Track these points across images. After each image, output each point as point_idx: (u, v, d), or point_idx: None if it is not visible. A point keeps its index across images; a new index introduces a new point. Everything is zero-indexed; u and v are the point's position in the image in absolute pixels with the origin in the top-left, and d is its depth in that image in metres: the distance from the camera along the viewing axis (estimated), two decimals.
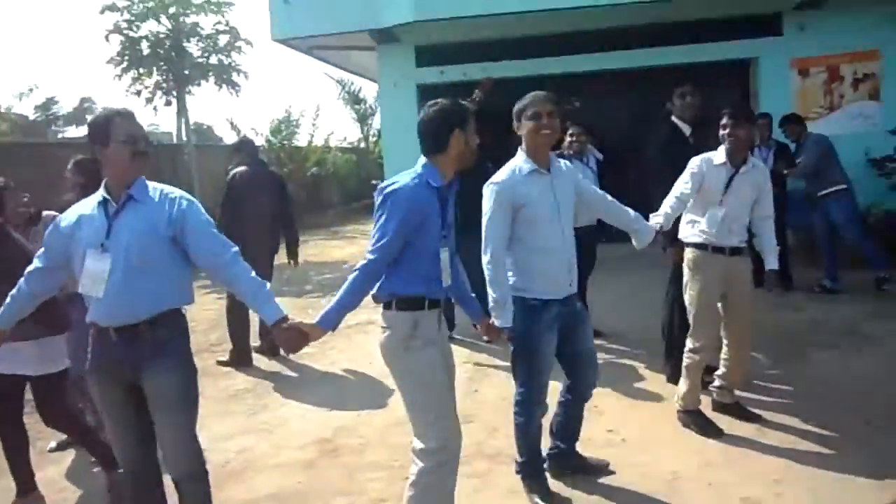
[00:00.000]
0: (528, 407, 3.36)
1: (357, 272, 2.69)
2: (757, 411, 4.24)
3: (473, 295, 3.21)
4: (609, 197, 3.55)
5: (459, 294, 3.12)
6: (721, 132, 3.99)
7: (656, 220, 3.88)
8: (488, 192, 3.21)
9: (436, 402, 2.77)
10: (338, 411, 4.74)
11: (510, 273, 3.25)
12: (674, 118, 4.80)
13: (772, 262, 4.08)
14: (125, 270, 2.59)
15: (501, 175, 3.23)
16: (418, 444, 2.77)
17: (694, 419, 4.10)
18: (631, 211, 3.57)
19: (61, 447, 4.39)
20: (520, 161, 3.26)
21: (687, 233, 4.16)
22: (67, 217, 2.75)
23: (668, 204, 4.03)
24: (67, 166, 4.33)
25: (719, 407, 4.27)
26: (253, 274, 2.72)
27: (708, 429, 4.02)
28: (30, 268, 2.83)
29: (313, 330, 2.68)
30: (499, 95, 9.95)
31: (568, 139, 5.82)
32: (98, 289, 2.59)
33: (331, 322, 2.69)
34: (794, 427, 4.06)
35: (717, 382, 4.28)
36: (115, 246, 2.60)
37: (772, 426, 4.08)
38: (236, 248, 2.73)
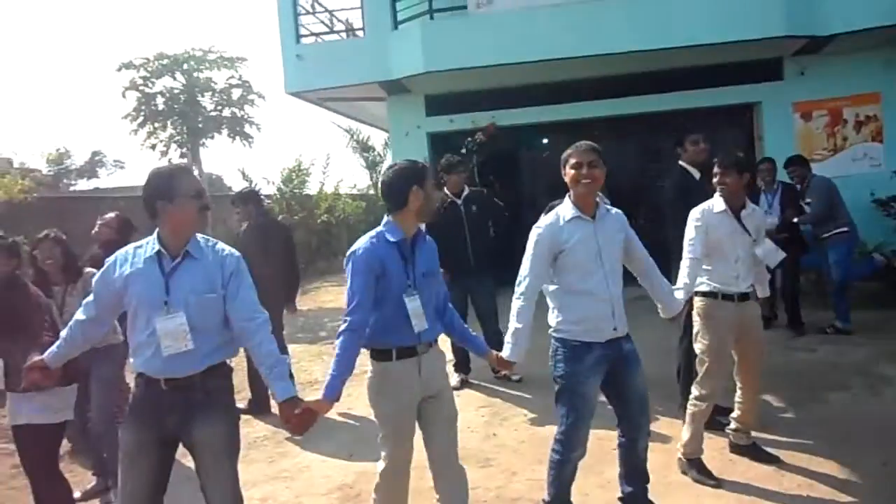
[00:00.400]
0: (566, 448, 3.38)
1: (342, 338, 2.88)
2: (774, 452, 4.26)
3: (475, 333, 3.46)
4: (651, 261, 3.58)
5: (459, 334, 3.36)
6: (714, 180, 4.10)
7: (679, 293, 3.87)
8: (532, 234, 3.37)
9: (390, 444, 3.07)
10: (357, 457, 4.77)
11: (555, 314, 3.37)
12: (682, 163, 4.94)
13: (764, 291, 4.35)
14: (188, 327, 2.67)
15: (545, 219, 3.38)
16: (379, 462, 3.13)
17: (693, 466, 4.07)
18: (665, 283, 3.63)
19: (85, 497, 4.43)
20: (564, 207, 3.37)
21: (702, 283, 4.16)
22: (115, 267, 2.78)
23: (686, 272, 4.02)
24: (97, 221, 4.48)
25: (736, 449, 4.29)
26: (275, 346, 2.80)
27: (705, 479, 3.99)
28: (79, 315, 2.90)
29: (320, 406, 2.84)
30: (504, 140, 10.27)
31: None
32: (183, 344, 2.66)
33: (335, 392, 2.86)
34: (811, 469, 4.07)
35: (732, 425, 4.30)
36: (175, 303, 2.67)
37: (789, 468, 4.10)
38: (266, 315, 2.83)
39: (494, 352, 3.39)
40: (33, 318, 3.47)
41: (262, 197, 6.89)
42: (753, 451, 4.24)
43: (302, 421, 2.76)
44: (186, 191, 2.72)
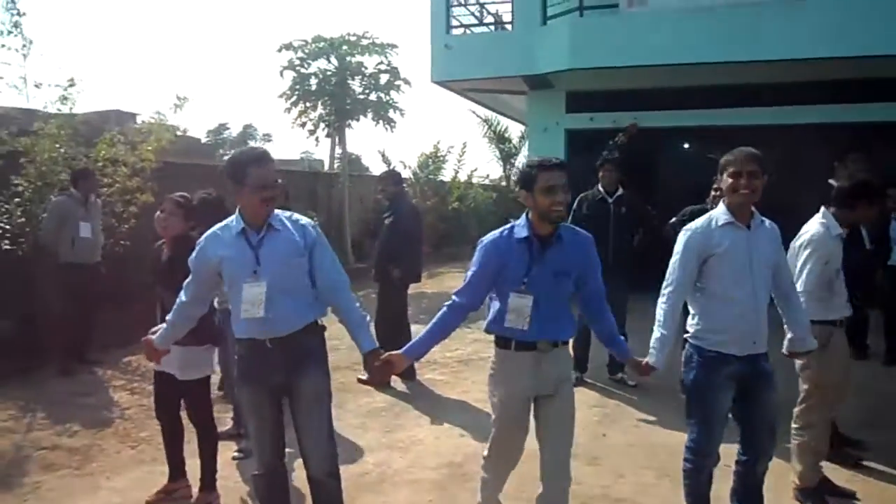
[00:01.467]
0: (698, 456, 3.32)
1: (444, 309, 3.06)
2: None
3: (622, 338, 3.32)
4: (794, 287, 3.48)
5: (607, 335, 3.26)
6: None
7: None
8: (681, 237, 3.29)
9: (497, 429, 3.12)
10: (469, 438, 4.95)
11: (695, 320, 3.29)
12: (832, 181, 4.73)
13: None
14: (278, 292, 2.91)
15: (697, 222, 3.29)
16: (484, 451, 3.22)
17: (808, 497, 3.93)
18: (805, 315, 3.46)
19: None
20: (719, 212, 3.27)
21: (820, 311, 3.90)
22: (209, 246, 3.04)
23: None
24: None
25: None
26: (357, 304, 3.08)
27: None
28: (182, 297, 3.19)
29: (399, 359, 3.03)
30: (643, 142, 10.09)
31: (713, 192, 5.80)
32: (258, 311, 2.92)
33: (415, 353, 3.09)
34: None
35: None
36: (265, 272, 2.93)
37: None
38: (347, 278, 3.11)
39: (638, 358, 3.27)
40: None
41: (402, 179, 7.21)
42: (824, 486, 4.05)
43: (382, 371, 3.02)
44: (253, 182, 2.89)
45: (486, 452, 3.23)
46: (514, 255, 2.96)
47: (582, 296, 3.16)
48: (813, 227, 3.96)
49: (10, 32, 7.26)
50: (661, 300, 3.28)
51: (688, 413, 3.37)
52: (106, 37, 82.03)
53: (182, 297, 3.19)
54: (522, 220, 3.02)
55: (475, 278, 3.02)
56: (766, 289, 3.24)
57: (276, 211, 3.06)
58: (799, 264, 3.85)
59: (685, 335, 3.36)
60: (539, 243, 2.96)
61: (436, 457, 4.66)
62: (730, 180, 3.18)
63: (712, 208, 5.42)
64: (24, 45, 7.28)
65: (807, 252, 3.87)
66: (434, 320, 3.07)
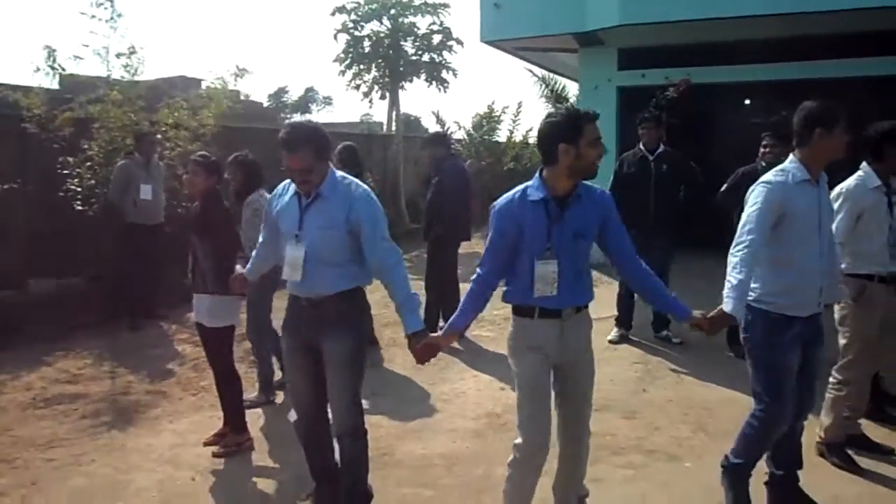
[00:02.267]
0: (768, 425, 3.17)
1: (472, 284, 2.97)
2: None
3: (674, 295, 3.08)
4: (834, 240, 3.44)
5: (651, 294, 3.06)
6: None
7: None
8: (759, 189, 3.11)
9: (527, 403, 2.89)
10: (509, 391, 5.08)
11: (758, 283, 3.14)
12: None
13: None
14: (313, 257, 3.05)
15: (775, 176, 3.13)
16: (515, 438, 2.94)
17: (834, 452, 3.93)
18: (839, 269, 3.44)
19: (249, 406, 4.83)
20: (792, 167, 3.14)
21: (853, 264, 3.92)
22: (275, 198, 3.27)
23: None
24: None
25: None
26: (407, 284, 3.10)
27: (846, 464, 3.85)
28: (260, 237, 3.49)
29: (440, 339, 3.07)
30: (696, 99, 9.87)
31: (762, 150, 5.73)
32: (297, 274, 3.09)
33: (457, 329, 3.09)
34: None
35: (846, 413, 4.03)
36: (305, 237, 3.06)
37: None
38: (400, 254, 3.13)
39: (701, 312, 2.97)
40: (222, 230, 4.09)
41: (450, 140, 7.29)
42: (865, 441, 4.05)
43: (425, 352, 3.00)
44: (283, 161, 3.02)
45: (518, 440, 2.92)
46: (530, 219, 2.79)
47: (614, 257, 2.98)
48: (848, 181, 3.94)
49: (100, 4, 7.59)
50: (737, 248, 3.02)
51: (755, 383, 3.22)
52: (172, 3, 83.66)
53: (261, 236, 3.49)
54: (535, 180, 2.84)
55: (494, 246, 2.88)
56: (830, 246, 3.21)
57: (339, 174, 3.16)
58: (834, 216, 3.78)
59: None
60: (557, 204, 2.79)
61: (476, 408, 4.85)
62: (845, 137, 3.09)
63: (762, 167, 5.37)
64: (111, 18, 7.62)
65: (838, 203, 3.84)
66: (465, 296, 3.02)
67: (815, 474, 3.70)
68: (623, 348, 6.18)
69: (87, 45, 7.64)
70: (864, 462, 3.89)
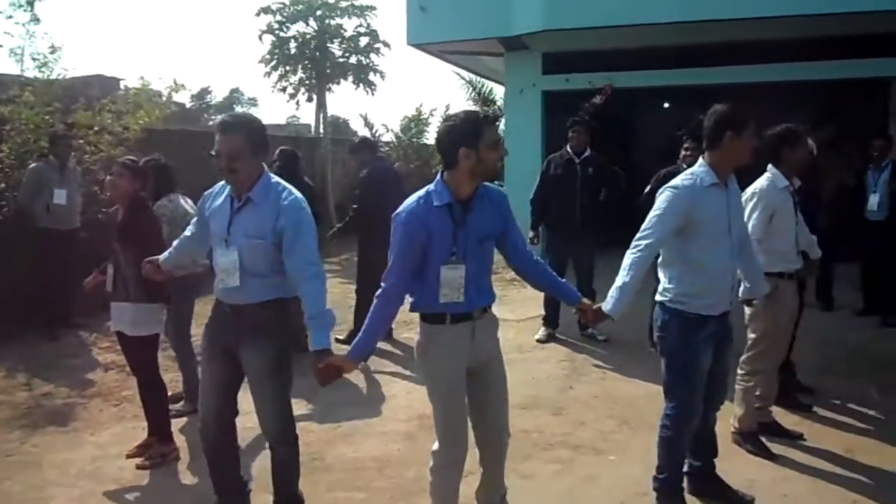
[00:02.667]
0: (681, 422, 3.26)
1: (376, 301, 2.82)
2: (851, 434, 4.31)
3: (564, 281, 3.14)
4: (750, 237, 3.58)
5: (548, 282, 3.09)
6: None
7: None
8: (665, 193, 3.16)
9: (443, 408, 2.89)
10: None
11: (672, 284, 3.22)
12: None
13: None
14: (239, 264, 2.96)
15: (683, 181, 3.18)
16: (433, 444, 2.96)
17: (748, 440, 4.11)
18: (760, 265, 3.59)
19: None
20: (702, 171, 3.19)
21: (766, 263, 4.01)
22: (209, 196, 3.16)
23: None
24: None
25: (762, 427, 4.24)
26: (322, 300, 2.94)
27: (760, 451, 4.04)
28: (187, 231, 3.40)
29: (346, 364, 2.87)
30: (618, 103, 10.17)
31: (683, 152, 5.95)
32: (232, 279, 2.98)
33: (361, 353, 2.90)
34: (883, 452, 4.07)
35: (757, 403, 4.22)
36: (231, 241, 2.97)
37: (861, 452, 4.09)
38: (319, 269, 2.96)
39: (588, 301, 3.14)
40: (150, 236, 3.94)
41: (376, 145, 7.26)
42: (777, 428, 4.26)
43: (326, 374, 2.83)
44: (215, 146, 2.92)
45: (435, 446, 2.94)
46: (437, 224, 2.72)
47: (509, 252, 2.98)
48: (759, 181, 4.11)
49: (20, 6, 7.44)
50: (632, 250, 3.13)
51: (668, 380, 3.30)
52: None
53: (187, 230, 3.39)
54: (437, 184, 2.76)
55: (403, 254, 2.75)
56: (742, 244, 3.33)
57: (274, 180, 3.05)
58: (746, 214, 3.92)
59: (659, 299, 3.31)
60: (461, 208, 2.75)
61: (407, 410, 4.87)
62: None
63: (684, 170, 5.54)
64: (30, 21, 7.51)
65: (752, 202, 4.01)
66: (369, 315, 2.83)
67: (732, 461, 3.88)
68: (550, 347, 6.32)
69: (0, 45, 7.39)
70: (777, 448, 4.09)
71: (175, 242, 3.48)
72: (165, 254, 3.48)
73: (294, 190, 3.06)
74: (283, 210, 2.94)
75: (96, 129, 7.74)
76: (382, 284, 2.80)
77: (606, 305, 3.07)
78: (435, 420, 2.93)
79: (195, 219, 3.35)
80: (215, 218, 3.07)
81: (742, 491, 3.54)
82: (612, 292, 3.09)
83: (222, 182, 3.10)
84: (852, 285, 7.47)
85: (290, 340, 3.19)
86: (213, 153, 2.93)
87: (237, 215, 2.98)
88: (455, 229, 2.73)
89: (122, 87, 9.62)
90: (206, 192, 3.23)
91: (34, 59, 7.53)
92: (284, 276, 3.01)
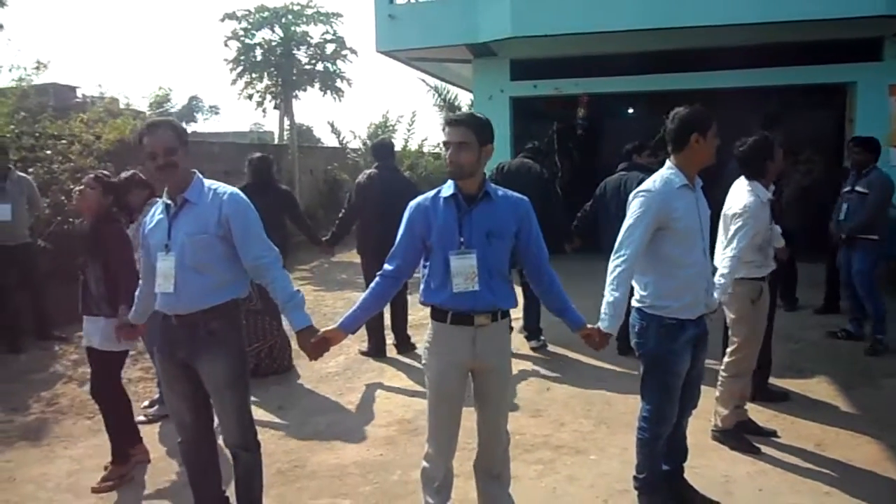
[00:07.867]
0: (657, 425, 3.29)
1: (377, 279, 2.97)
2: (821, 429, 4.43)
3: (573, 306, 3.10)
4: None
5: (555, 304, 3.09)
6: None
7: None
8: (637, 199, 3.16)
9: (434, 410, 3.00)
10: (419, 397, 5.14)
11: (649, 289, 3.21)
12: None
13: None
14: (183, 268, 2.87)
15: (655, 184, 3.17)
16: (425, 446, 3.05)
17: (730, 437, 4.21)
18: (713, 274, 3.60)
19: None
20: (671, 173, 3.19)
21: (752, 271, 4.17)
22: (146, 225, 3.07)
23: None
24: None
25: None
26: (288, 282, 2.96)
27: (743, 447, 4.14)
28: (142, 275, 3.26)
29: (335, 335, 2.95)
30: (586, 109, 10.34)
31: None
32: (168, 285, 2.89)
33: (350, 326, 2.97)
34: (852, 446, 4.21)
35: (736, 402, 4.31)
36: (174, 246, 2.89)
37: (831, 447, 4.20)
38: (277, 253, 2.97)
39: (591, 326, 3.10)
40: (117, 253, 3.87)
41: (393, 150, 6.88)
42: (752, 426, 4.36)
43: (316, 347, 2.93)
44: (146, 150, 2.87)
45: (427, 449, 3.05)
46: (441, 215, 2.85)
47: (525, 261, 3.03)
48: (745, 197, 4.02)
49: None
50: (615, 263, 3.13)
51: (645, 385, 3.32)
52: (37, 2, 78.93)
53: (142, 273, 3.27)
54: (449, 181, 2.92)
55: (401, 242, 2.94)
56: (708, 248, 3.32)
57: (207, 182, 3.02)
58: (732, 231, 3.96)
59: (637, 305, 3.29)
60: (465, 200, 2.86)
61: (387, 415, 4.88)
62: (716, 142, 3.18)
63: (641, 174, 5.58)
64: None
65: (740, 222, 3.95)
66: (366, 292, 2.99)
67: (708, 458, 4.01)
68: (525, 348, 6.37)
69: None
70: None
71: (136, 293, 3.34)
72: (133, 308, 3.39)
73: (229, 186, 3.04)
74: (225, 203, 2.93)
75: (56, 136, 7.61)
76: (386, 265, 2.97)
77: (604, 324, 3.12)
78: (427, 419, 3.05)
79: (143, 259, 3.19)
80: (154, 234, 3.00)
81: (708, 495, 3.55)
82: (605, 309, 3.13)
83: (150, 205, 3.11)
84: (814, 286, 7.67)
85: (244, 352, 3.12)
86: (148, 154, 2.87)
87: (175, 220, 2.93)
88: (459, 217, 2.84)
89: (79, 95, 9.46)
90: (142, 221, 3.15)
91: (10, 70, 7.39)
92: (234, 274, 2.98)
